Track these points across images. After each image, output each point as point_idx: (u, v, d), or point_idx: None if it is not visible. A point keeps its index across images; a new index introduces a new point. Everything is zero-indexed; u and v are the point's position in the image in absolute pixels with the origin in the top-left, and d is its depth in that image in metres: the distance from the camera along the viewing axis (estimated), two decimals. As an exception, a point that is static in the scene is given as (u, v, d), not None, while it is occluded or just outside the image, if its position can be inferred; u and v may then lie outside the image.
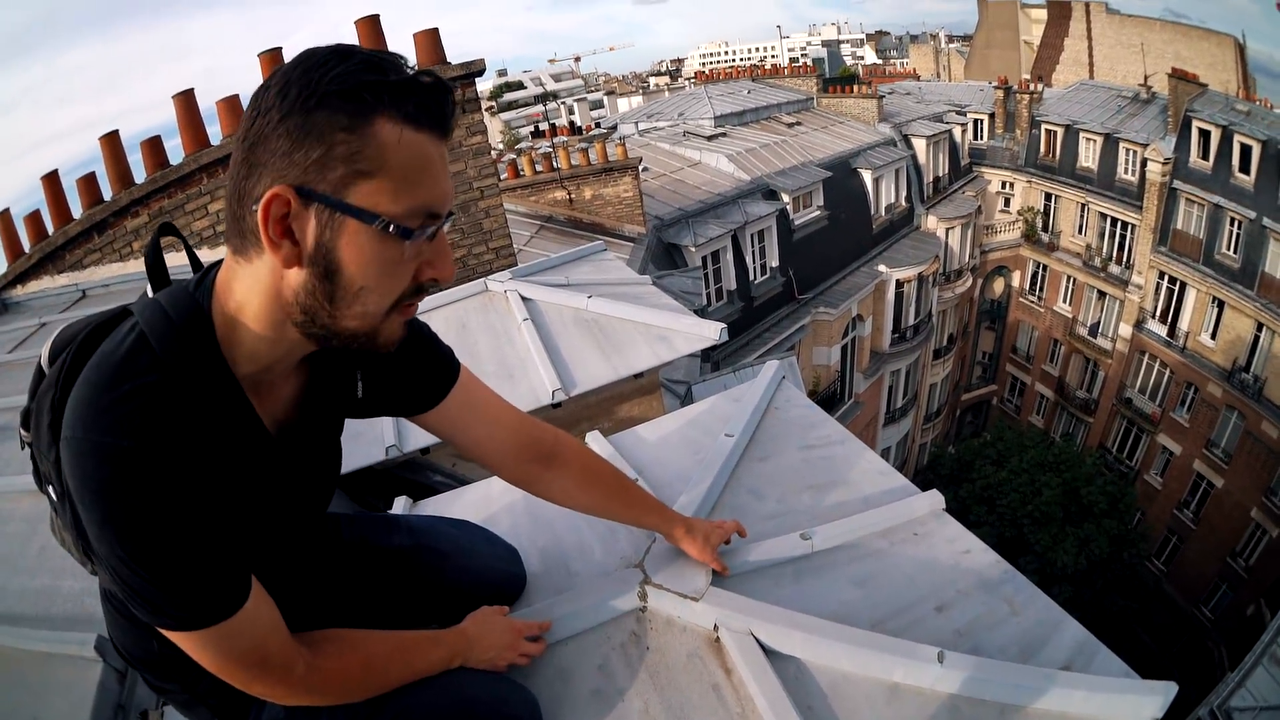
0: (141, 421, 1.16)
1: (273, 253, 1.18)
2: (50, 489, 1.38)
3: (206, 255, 6.93)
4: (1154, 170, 29.19)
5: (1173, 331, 29.78)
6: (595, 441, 2.88)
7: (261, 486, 1.40)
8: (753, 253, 22.95)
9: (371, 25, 6.71)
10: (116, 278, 7.31)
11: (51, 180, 7.72)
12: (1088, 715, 1.69)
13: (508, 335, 4.58)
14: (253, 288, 1.26)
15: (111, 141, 7.23)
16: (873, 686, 1.80)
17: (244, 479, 1.33)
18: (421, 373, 1.77)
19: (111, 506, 1.14)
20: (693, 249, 20.04)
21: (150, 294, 1.42)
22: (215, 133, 6.89)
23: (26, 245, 7.87)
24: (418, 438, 3.82)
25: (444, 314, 4.88)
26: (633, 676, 1.92)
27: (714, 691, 1.85)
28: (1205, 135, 28.12)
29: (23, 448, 1.50)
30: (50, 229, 7.67)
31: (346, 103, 1.13)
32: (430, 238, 1.27)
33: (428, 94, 1.20)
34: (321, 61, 1.15)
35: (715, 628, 1.95)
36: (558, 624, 2.02)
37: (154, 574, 1.20)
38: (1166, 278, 29.75)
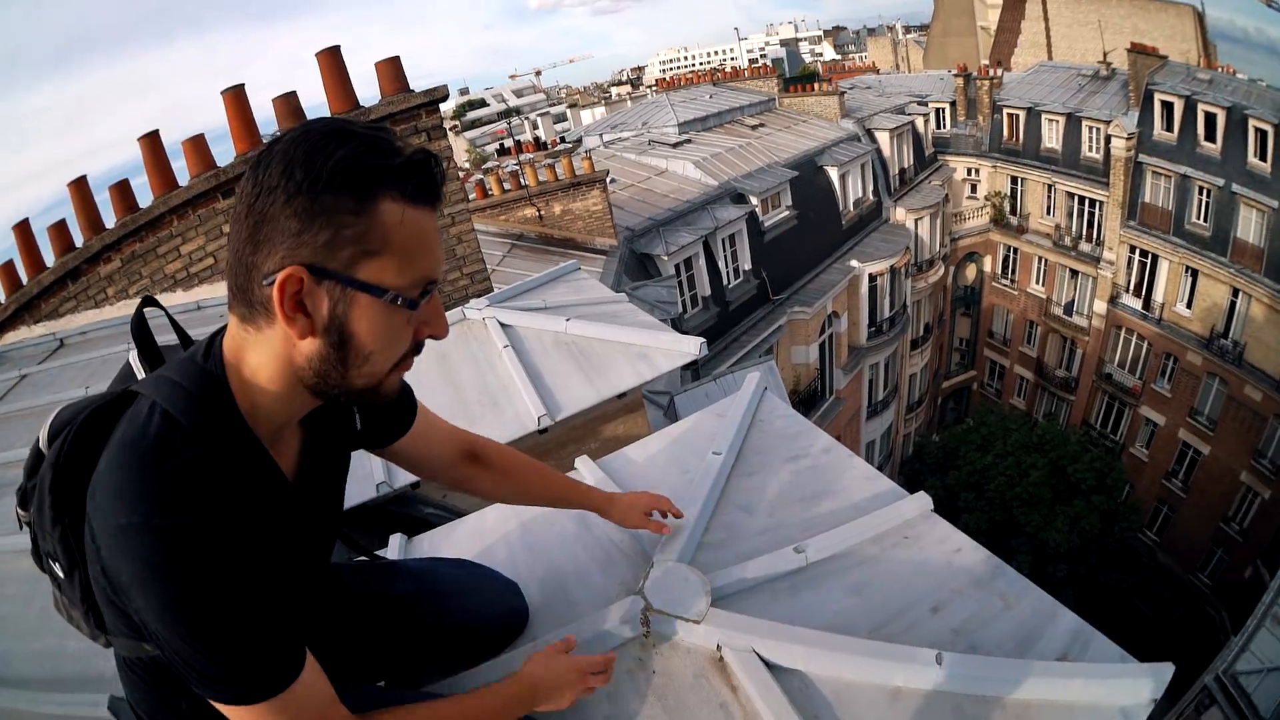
0: (193, 498, 1.21)
1: (288, 326, 1.26)
2: (56, 565, 1.41)
3: (180, 298, 6.92)
4: (1118, 146, 29.37)
5: (1148, 304, 29.94)
6: (584, 466, 2.90)
7: (290, 542, 1.46)
8: (725, 257, 22.93)
9: (332, 57, 6.67)
10: (94, 324, 7.22)
11: (23, 229, 7.66)
12: (1087, 702, 1.73)
13: (489, 363, 4.59)
14: (265, 355, 1.34)
15: (80, 187, 7.16)
16: (875, 692, 1.84)
17: (278, 538, 1.38)
18: (400, 404, 1.88)
19: (174, 586, 1.18)
20: (665, 258, 20.02)
21: (141, 370, 1.51)
22: (180, 168, 6.80)
23: (1, 296, 7.81)
24: (407, 473, 3.82)
25: (426, 345, 4.85)
26: (641, 701, 1.95)
27: (722, 710, 1.88)
28: (1168, 107, 28.28)
29: (21, 527, 1.52)
30: (24, 278, 7.59)
31: (352, 187, 1.21)
32: (426, 300, 1.37)
33: (424, 172, 1.29)
34: (322, 144, 1.22)
35: (718, 647, 1.98)
36: (561, 656, 2.05)
37: (218, 648, 1.23)
38: (1138, 251, 29.92)
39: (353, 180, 1.21)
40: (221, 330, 1.43)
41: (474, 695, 1.78)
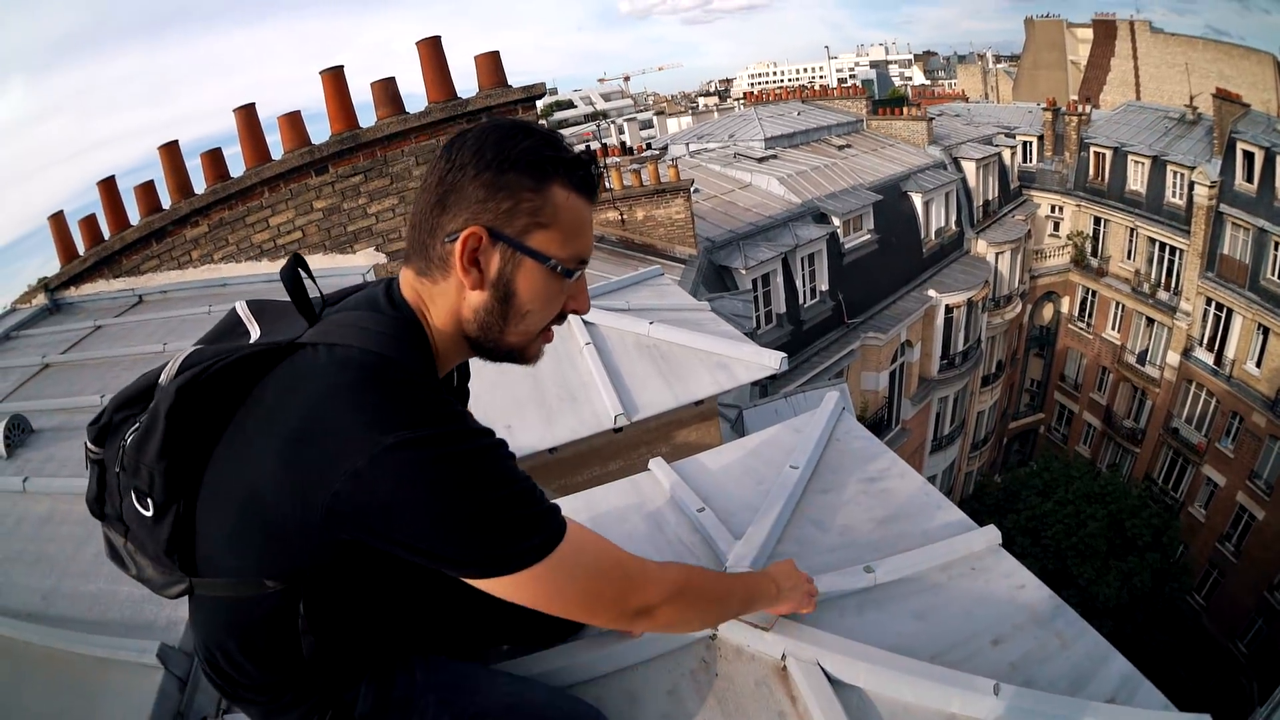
0: (444, 408, 1.38)
1: (464, 276, 1.48)
2: (143, 503, 1.46)
3: (265, 268, 7.04)
4: (1201, 194, 28.80)
5: (1219, 359, 29.27)
6: (659, 468, 2.92)
7: None
8: (803, 276, 22.84)
9: (433, 47, 6.78)
10: (174, 284, 7.43)
11: (108, 185, 7.84)
12: None
13: (570, 359, 4.65)
14: (441, 305, 1.55)
15: (171, 151, 7.38)
16: (931, 717, 1.86)
17: None
18: (464, 385, 2.01)
19: (458, 478, 1.31)
20: (743, 271, 20.00)
21: (256, 325, 1.65)
22: (274, 143, 7.00)
23: (81, 248, 8.00)
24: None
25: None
26: (701, 702, 1.98)
27: (779, 719, 1.91)
28: (1249, 157, 27.65)
29: (88, 465, 1.61)
30: (106, 233, 7.80)
31: (533, 169, 1.46)
32: (577, 279, 1.60)
33: (588, 169, 1.53)
34: (510, 134, 1.47)
35: (783, 657, 2.01)
36: (629, 650, 2.09)
37: (513, 513, 1.37)
38: (1214, 304, 29.28)
39: (533, 164, 1.45)
40: (390, 284, 1.61)
41: (733, 574, 2.12)
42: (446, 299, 1.54)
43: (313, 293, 1.60)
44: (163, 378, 1.49)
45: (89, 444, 1.59)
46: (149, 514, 1.45)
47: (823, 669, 1.95)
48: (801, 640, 2.01)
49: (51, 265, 8.14)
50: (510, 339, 1.59)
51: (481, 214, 1.45)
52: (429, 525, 1.30)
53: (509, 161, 1.44)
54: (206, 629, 1.56)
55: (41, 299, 7.77)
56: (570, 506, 2.78)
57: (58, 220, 8.20)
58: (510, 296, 1.52)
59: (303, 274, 1.56)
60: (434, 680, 1.74)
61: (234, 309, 1.71)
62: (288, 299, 1.56)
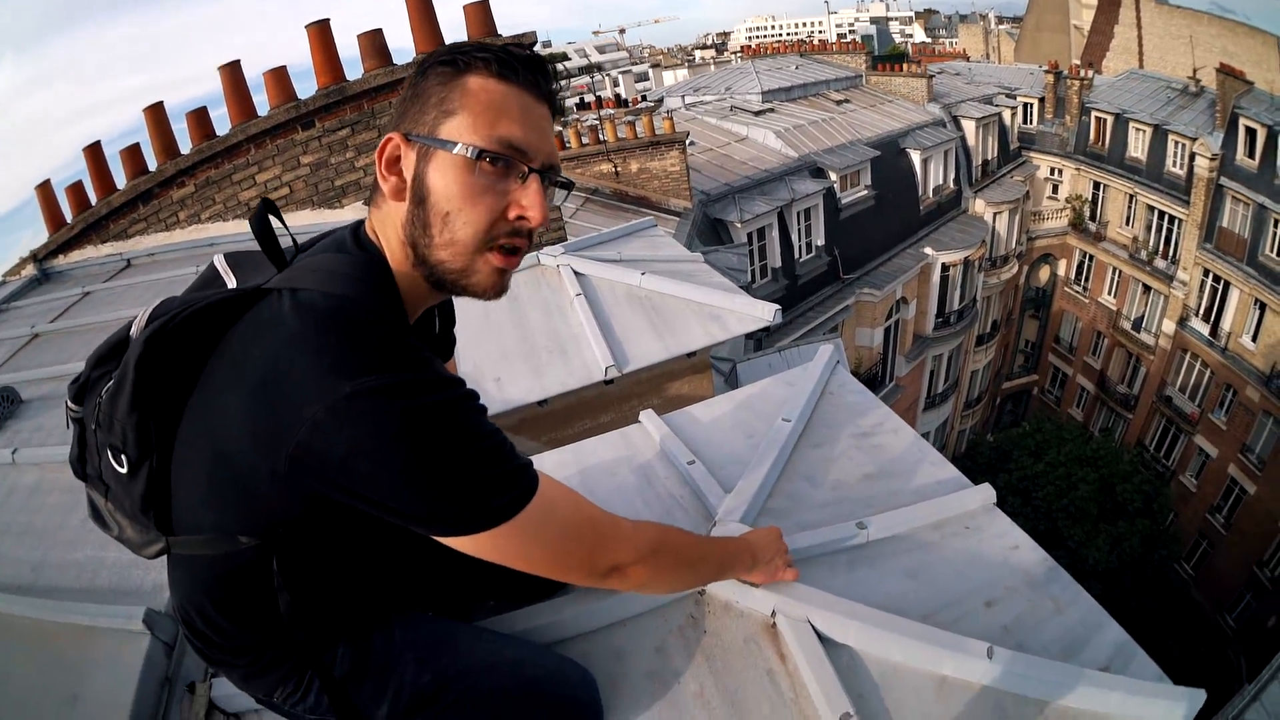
0: (410, 353, 1.29)
1: (383, 184, 1.44)
2: (118, 459, 1.40)
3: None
4: (1202, 165, 28.70)
5: (1215, 331, 29.31)
6: (650, 420, 2.88)
7: None
8: (798, 230, 22.83)
9: (419, -6, 6.68)
10: (162, 247, 7.37)
11: (94, 151, 7.77)
12: (1123, 716, 1.72)
13: (560, 310, 4.59)
14: (390, 230, 1.48)
15: (156, 113, 7.29)
16: (922, 679, 1.83)
17: None
18: (447, 333, 1.98)
19: (423, 430, 1.23)
20: (738, 225, 19.97)
21: (231, 275, 1.56)
22: (261, 102, 6.88)
23: (68, 215, 7.95)
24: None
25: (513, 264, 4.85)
26: (689, 659, 1.95)
27: (768, 677, 1.88)
28: (1251, 133, 27.56)
29: (69, 424, 1.56)
30: (93, 199, 7.75)
31: (445, 66, 1.41)
32: (521, 180, 1.44)
33: (512, 55, 1.42)
34: (447, 47, 1.44)
35: (773, 614, 1.98)
36: (616, 605, 2.06)
37: (481, 468, 1.30)
38: (1211, 275, 29.28)
39: (447, 61, 1.41)
40: (358, 225, 1.55)
41: (710, 539, 2.06)
42: (390, 225, 1.47)
43: (287, 240, 1.54)
44: (133, 329, 1.46)
45: (69, 402, 1.55)
46: (124, 470, 1.40)
47: (813, 626, 1.92)
48: (791, 597, 1.98)
49: (44, 236, 8.16)
50: (439, 253, 1.43)
51: (400, 122, 1.44)
52: (390, 479, 1.24)
53: (427, 66, 1.43)
54: (184, 589, 1.54)
55: (31, 269, 7.76)
56: (559, 459, 2.77)
57: (44, 189, 8.18)
58: (424, 196, 1.41)
59: (275, 221, 1.50)
60: (413, 639, 1.69)
61: (212, 262, 1.63)
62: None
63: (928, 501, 2.32)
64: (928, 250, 27.08)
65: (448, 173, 1.38)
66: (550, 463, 2.76)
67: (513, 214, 1.44)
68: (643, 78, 70.75)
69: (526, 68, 1.42)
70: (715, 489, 2.42)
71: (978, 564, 2.14)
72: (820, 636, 1.90)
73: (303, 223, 6.63)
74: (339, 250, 1.46)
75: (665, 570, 1.69)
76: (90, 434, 1.49)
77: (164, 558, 1.53)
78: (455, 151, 1.37)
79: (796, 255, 22.95)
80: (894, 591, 2.05)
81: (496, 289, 1.52)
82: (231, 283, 1.53)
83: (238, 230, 7.18)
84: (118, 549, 1.58)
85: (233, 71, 6.80)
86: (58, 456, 3.58)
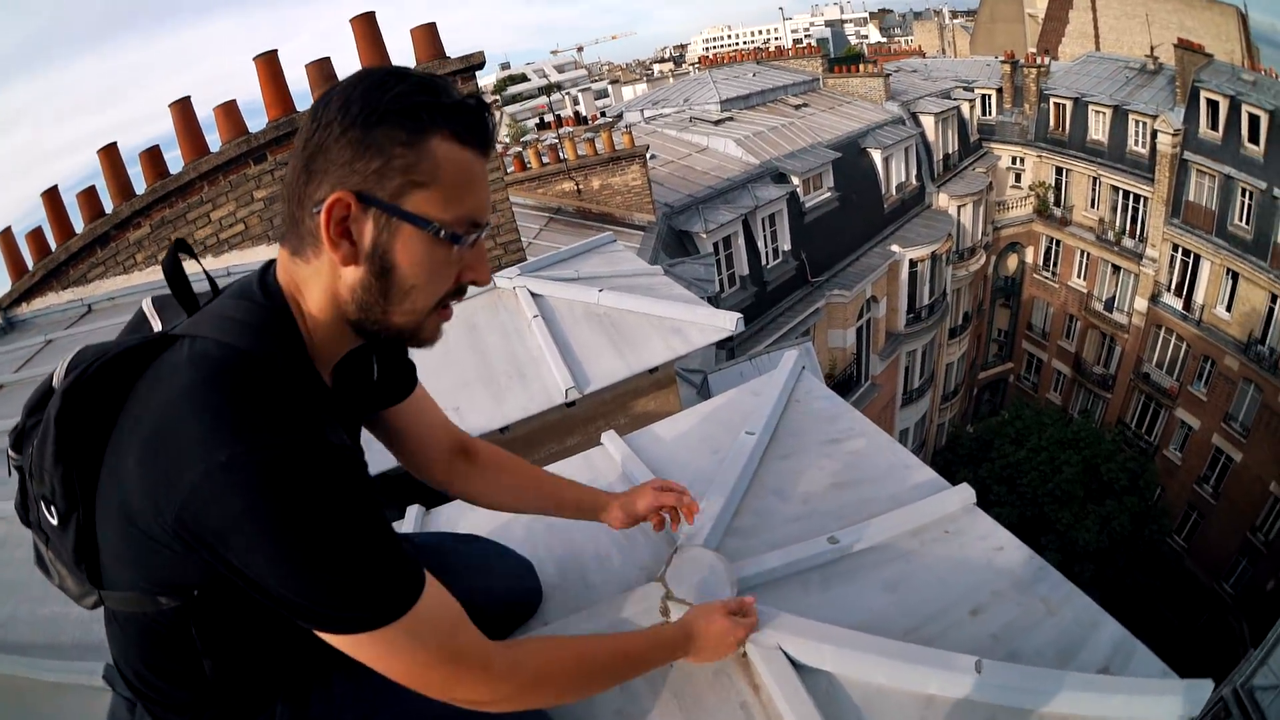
0: (295, 423, 1.20)
1: (332, 251, 1.29)
2: (49, 510, 1.35)
3: (210, 264, 6.93)
4: (1164, 141, 28.93)
5: (1188, 304, 29.53)
6: (611, 442, 2.81)
7: None
8: (764, 237, 22.87)
9: (367, 22, 6.62)
10: (121, 290, 7.28)
11: (52, 196, 7.70)
12: (1125, 718, 1.64)
13: (518, 333, 4.53)
14: (315, 288, 1.36)
15: (110, 154, 7.19)
16: (908, 699, 1.73)
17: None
18: (400, 366, 1.85)
19: (290, 512, 1.14)
20: (704, 235, 19.94)
21: (157, 319, 1.58)
22: (215, 140, 6.84)
23: (30, 262, 7.86)
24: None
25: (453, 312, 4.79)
26: (656, 696, 1.85)
27: (742, 710, 1.78)
28: (1214, 106, 27.78)
29: (10, 472, 1.48)
30: (53, 245, 7.66)
31: (405, 120, 1.25)
32: (471, 245, 1.38)
33: (475, 115, 1.32)
34: (380, 82, 1.27)
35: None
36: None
37: (340, 572, 1.20)
38: (1180, 250, 29.47)
39: (406, 114, 1.25)
40: (267, 267, 1.44)
41: (629, 634, 1.83)
42: (321, 280, 1.35)
43: (205, 283, 1.51)
44: (54, 379, 1.41)
45: (9, 450, 1.47)
46: (55, 522, 1.35)
47: (785, 653, 1.82)
48: (760, 624, 1.87)
49: (7, 284, 8.09)
50: (395, 319, 1.38)
51: (349, 177, 1.26)
52: (258, 560, 1.16)
53: (378, 113, 1.24)
54: (118, 644, 1.52)
55: (-5, 319, 7.64)
56: None
57: (5, 237, 8.10)
58: (389, 270, 1.32)
59: (200, 263, 1.50)
60: (354, 694, 1.61)
61: (140, 306, 1.63)
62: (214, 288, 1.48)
63: (904, 507, 2.24)
64: (894, 247, 27.19)
65: (417, 250, 1.32)
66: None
67: (466, 278, 1.43)
68: (602, 94, 71.16)
69: (483, 125, 1.35)
70: (678, 511, 2.30)
71: (961, 570, 2.06)
72: (794, 663, 1.80)
73: (259, 259, 6.50)
74: (243, 296, 1.38)
75: (548, 697, 1.57)
76: (29, 483, 1.43)
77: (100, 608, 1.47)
78: (428, 231, 1.30)
79: (764, 262, 23.00)
80: (873, 607, 1.97)
81: (436, 339, 1.48)
82: (157, 326, 1.55)
83: (194, 270, 6.99)
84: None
85: (183, 108, 6.76)
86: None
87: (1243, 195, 26.85)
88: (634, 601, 2.04)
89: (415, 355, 1.82)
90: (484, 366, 4.24)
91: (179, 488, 1.13)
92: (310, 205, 1.28)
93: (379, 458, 3.60)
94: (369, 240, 1.29)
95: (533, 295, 4.73)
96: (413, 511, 2.70)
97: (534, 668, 1.50)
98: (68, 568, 1.42)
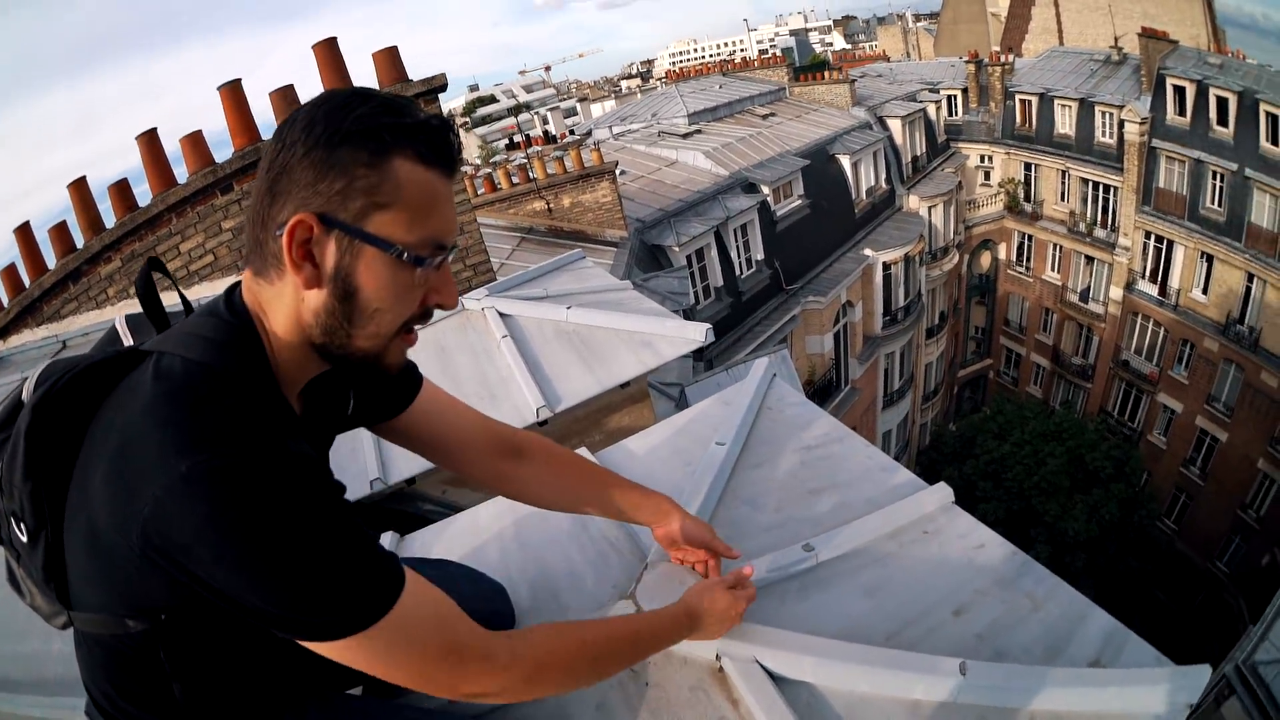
0: (261, 433, 1.19)
1: (295, 273, 1.27)
2: (19, 527, 1.34)
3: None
4: (1132, 130, 29.30)
5: (1164, 290, 29.86)
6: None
7: None
8: (737, 247, 22.94)
9: (329, 49, 6.64)
10: (94, 325, 7.18)
11: (24, 232, 7.66)
12: (1121, 711, 1.59)
13: (487, 354, 4.48)
14: (279, 309, 1.34)
15: (80, 188, 7.14)
16: (892, 706, 1.69)
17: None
18: (402, 375, 1.81)
19: (258, 520, 1.13)
20: (676, 249, 19.99)
21: (129, 334, 1.59)
22: (183, 173, 6.83)
23: (4, 300, 7.80)
24: (401, 468, 3.72)
25: (421, 336, 4.72)
26: (633, 715, 1.80)
27: (722, 726, 1.73)
28: (1180, 91, 28.16)
29: None
30: (27, 281, 7.59)
31: (368, 141, 1.23)
32: (437, 267, 1.36)
33: (438, 135, 1.30)
34: (344, 103, 1.25)
35: (717, 657, 1.83)
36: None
37: (314, 575, 1.18)
38: (1153, 237, 29.84)
39: (368, 134, 1.23)
40: (234, 287, 1.42)
41: (631, 617, 1.86)
42: (284, 302, 1.33)
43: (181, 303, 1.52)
44: (24, 393, 1.40)
45: None
46: (25, 539, 1.34)
47: (763, 666, 1.77)
48: (735, 637, 1.83)
49: None
50: (359, 343, 1.36)
51: (311, 199, 1.24)
52: (226, 570, 1.13)
53: (340, 134, 1.22)
54: (87, 668, 1.48)
55: (-29, 359, 7.55)
56: (494, 510, 2.64)
57: (-21, 275, 8.03)
58: (352, 293, 1.30)
59: (178, 286, 1.49)
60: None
61: (113, 323, 1.64)
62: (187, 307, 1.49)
63: (881, 510, 2.20)
64: (867, 251, 27.34)
65: (380, 273, 1.30)
66: (485, 514, 2.64)
67: (432, 301, 1.41)
68: (571, 113, 71.41)
69: (447, 145, 1.32)
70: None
71: (941, 570, 2.01)
72: (772, 676, 1.75)
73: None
74: (210, 314, 1.37)
75: (554, 684, 1.55)
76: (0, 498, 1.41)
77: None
78: (391, 253, 1.28)
79: (738, 272, 23.07)
80: (852, 614, 1.92)
81: (400, 365, 1.48)
82: (128, 343, 1.56)
83: (167, 302, 6.95)
84: (62, 640, 1.52)
85: (150, 140, 6.75)
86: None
87: (1214, 178, 27.26)
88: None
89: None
90: (454, 389, 4.13)
91: (142, 502, 1.11)
92: (273, 227, 1.27)
93: (353, 485, 3.57)
94: (331, 263, 1.27)
95: (501, 315, 4.70)
96: (386, 538, 2.64)
97: (536, 655, 1.48)
98: (38, 585, 1.40)
